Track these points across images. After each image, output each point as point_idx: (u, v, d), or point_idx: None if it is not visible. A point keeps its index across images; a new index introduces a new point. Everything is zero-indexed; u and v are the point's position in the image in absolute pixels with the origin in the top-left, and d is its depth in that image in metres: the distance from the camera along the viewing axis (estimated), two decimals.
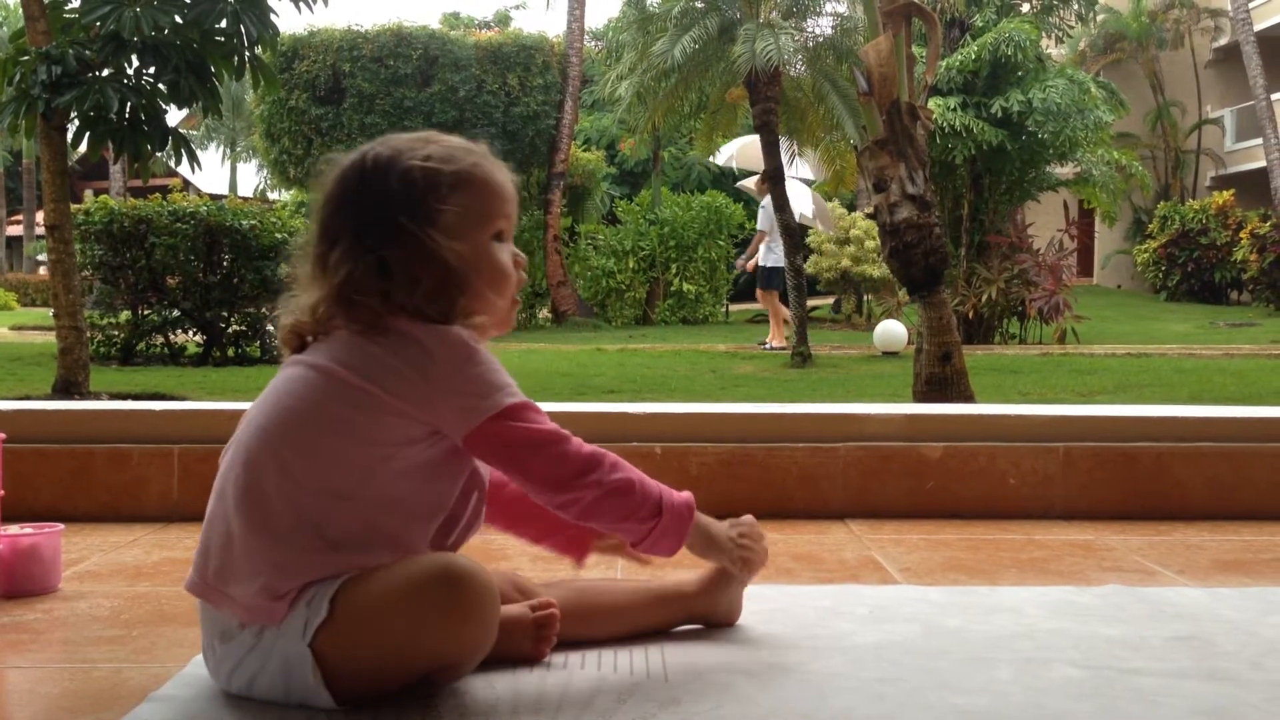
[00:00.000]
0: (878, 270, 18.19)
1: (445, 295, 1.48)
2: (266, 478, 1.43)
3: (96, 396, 6.91)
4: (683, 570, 1.82)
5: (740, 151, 15.20)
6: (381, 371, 1.44)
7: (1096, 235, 27.78)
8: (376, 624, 1.39)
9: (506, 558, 2.32)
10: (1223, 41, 29.04)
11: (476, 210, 1.51)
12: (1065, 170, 19.38)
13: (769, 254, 13.62)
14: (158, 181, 23.61)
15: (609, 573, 2.21)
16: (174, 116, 7.74)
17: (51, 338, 8.02)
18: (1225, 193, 24.85)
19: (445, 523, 1.51)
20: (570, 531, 1.73)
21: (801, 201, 14.63)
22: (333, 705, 1.40)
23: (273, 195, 28.33)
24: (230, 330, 10.67)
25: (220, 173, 37.34)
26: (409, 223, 1.47)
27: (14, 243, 37.01)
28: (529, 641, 1.59)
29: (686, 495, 1.59)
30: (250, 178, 36.06)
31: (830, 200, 19.58)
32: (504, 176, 1.55)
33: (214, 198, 13.77)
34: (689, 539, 1.58)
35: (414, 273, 1.46)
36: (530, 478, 1.50)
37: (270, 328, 10.78)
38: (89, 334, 8.50)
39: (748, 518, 1.70)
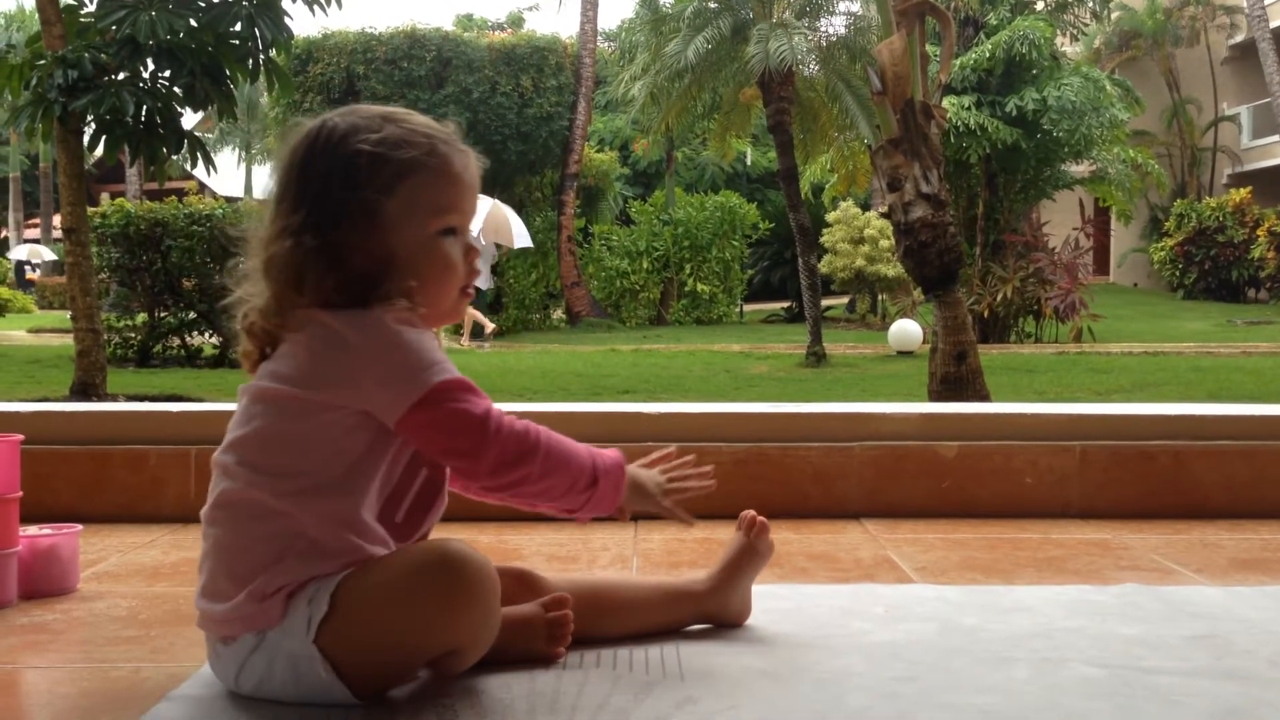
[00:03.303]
0: (892, 269, 18.16)
1: (371, 284, 1.42)
2: (237, 505, 1.44)
3: (114, 398, 6.94)
4: (697, 570, 1.82)
5: None
6: (306, 374, 1.42)
7: (1112, 233, 27.68)
8: (377, 615, 1.39)
9: (521, 557, 2.32)
10: (1239, 38, 28.90)
11: (425, 201, 1.44)
12: (1081, 168, 19.32)
13: None
14: (173, 184, 23.71)
15: (624, 571, 2.21)
16: (189, 120, 7.77)
17: (69, 340, 8.07)
18: (1242, 190, 24.74)
19: (390, 499, 1.48)
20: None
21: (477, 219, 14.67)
22: (350, 698, 1.40)
23: None
24: None
25: (235, 175, 37.45)
26: (344, 208, 1.41)
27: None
28: (543, 642, 1.59)
29: (615, 456, 1.53)
30: (265, 180, 36.11)
31: (845, 200, 19.56)
32: (463, 165, 1.47)
33: (229, 200, 13.82)
34: (631, 499, 1.53)
35: (341, 259, 1.41)
36: (463, 464, 1.45)
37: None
38: (106, 336, 8.53)
39: (667, 451, 1.62)
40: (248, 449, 1.45)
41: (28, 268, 28.22)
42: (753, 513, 1.78)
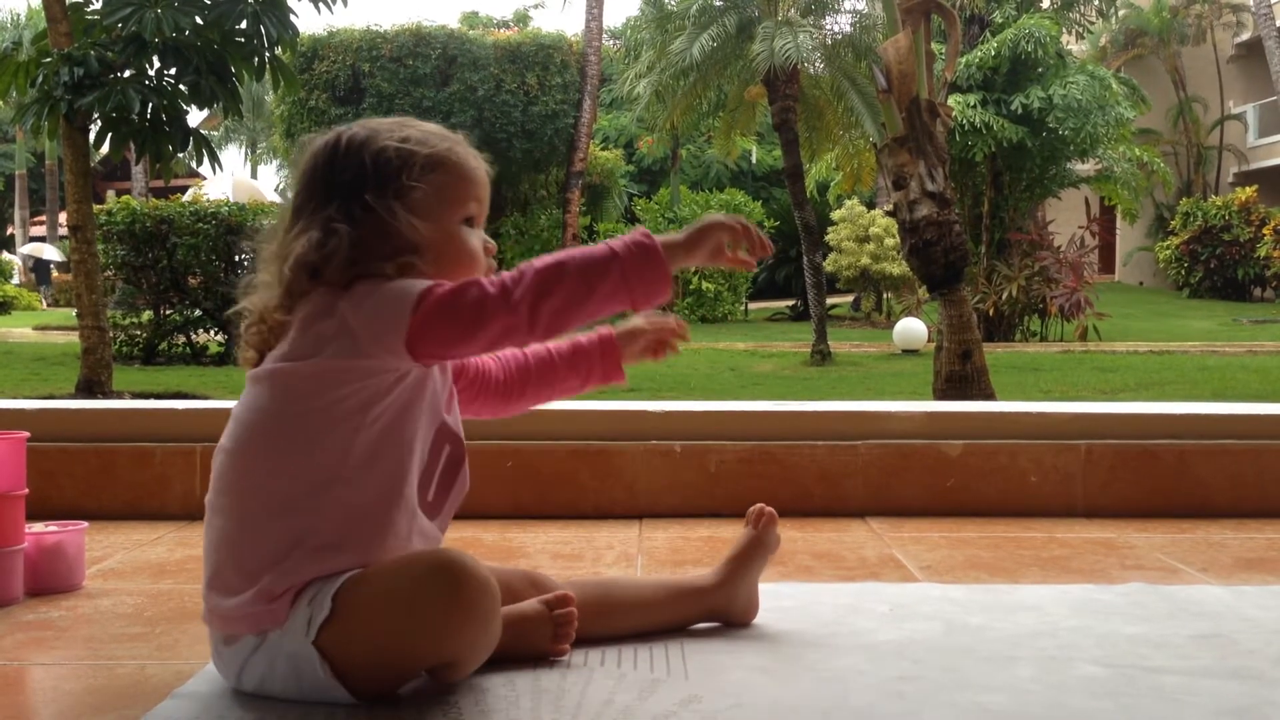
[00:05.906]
0: (897, 268, 18.14)
1: (399, 268, 1.47)
2: (245, 495, 1.45)
3: (119, 395, 6.96)
4: (702, 568, 1.82)
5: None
6: (306, 344, 1.45)
7: (1118, 232, 27.64)
8: (377, 622, 1.40)
9: (526, 555, 2.32)
10: (1245, 36, 28.84)
11: (448, 193, 1.52)
12: (1086, 167, 19.29)
13: None
14: (179, 182, 23.73)
15: (628, 569, 2.21)
16: (195, 117, 7.79)
17: (75, 338, 8.09)
18: (1248, 189, 24.69)
19: (420, 479, 1.50)
20: (590, 362, 1.70)
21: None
22: (350, 700, 1.41)
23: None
24: None
25: (241, 173, 37.51)
26: (376, 200, 1.47)
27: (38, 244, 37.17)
28: (547, 638, 1.59)
29: (635, 231, 1.48)
30: (271, 178, 36.34)
31: (850, 198, 19.54)
32: (477, 163, 1.56)
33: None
34: (672, 255, 1.46)
35: (373, 248, 1.46)
36: (481, 331, 1.43)
37: None
38: (111, 334, 8.54)
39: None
40: (256, 434, 1.46)
41: (53, 266, 28.26)
42: (761, 505, 1.80)
